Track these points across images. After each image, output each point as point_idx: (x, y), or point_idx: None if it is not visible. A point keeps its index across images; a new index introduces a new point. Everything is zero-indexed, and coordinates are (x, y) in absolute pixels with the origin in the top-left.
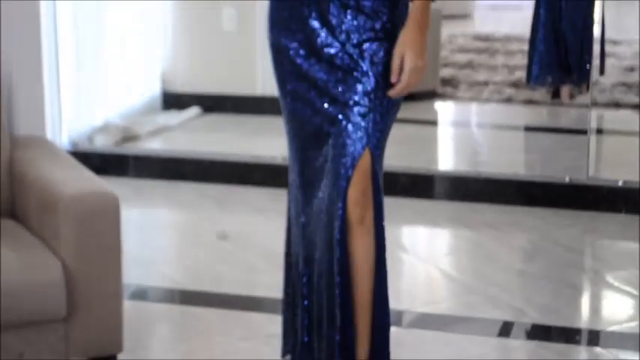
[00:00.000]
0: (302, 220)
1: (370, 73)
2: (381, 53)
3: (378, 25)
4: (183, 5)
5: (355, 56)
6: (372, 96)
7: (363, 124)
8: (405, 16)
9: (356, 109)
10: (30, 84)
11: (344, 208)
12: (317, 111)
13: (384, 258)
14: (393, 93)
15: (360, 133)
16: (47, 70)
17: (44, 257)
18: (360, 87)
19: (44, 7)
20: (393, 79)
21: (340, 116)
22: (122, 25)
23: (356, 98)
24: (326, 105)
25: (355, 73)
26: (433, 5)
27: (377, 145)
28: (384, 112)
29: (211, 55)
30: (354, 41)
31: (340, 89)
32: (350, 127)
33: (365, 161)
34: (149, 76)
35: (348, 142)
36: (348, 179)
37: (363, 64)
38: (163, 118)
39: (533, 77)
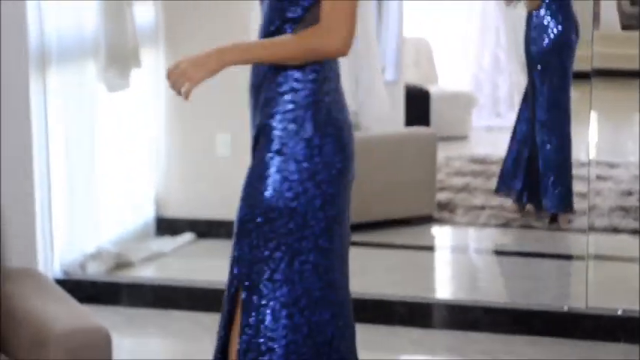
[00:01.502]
0: None
1: None
2: None
3: None
4: (177, 130)
5: None
6: None
7: None
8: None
9: None
10: (21, 212)
11: None
12: None
13: None
14: None
15: None
16: (39, 198)
17: None
18: None
19: (36, 135)
20: None
21: None
22: (115, 150)
23: None
24: None
25: None
26: (429, 129)
27: None
28: None
29: (205, 181)
30: None
31: None
32: None
33: None
34: (142, 201)
35: None
36: None
37: None
38: (157, 245)
39: (497, 186)
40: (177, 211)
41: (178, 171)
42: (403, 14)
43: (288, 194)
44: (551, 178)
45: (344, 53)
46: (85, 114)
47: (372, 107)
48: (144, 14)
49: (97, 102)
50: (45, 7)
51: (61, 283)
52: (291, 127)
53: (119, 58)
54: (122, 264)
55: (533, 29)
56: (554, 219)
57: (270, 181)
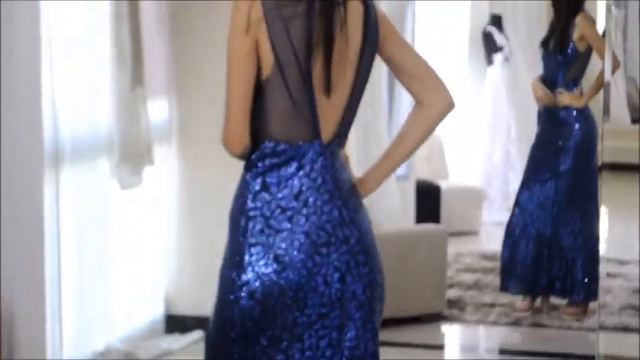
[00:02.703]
0: None
1: None
2: None
3: None
4: (188, 228)
5: None
6: None
7: None
8: None
9: None
10: (31, 309)
11: None
12: None
13: None
14: None
15: None
16: (49, 295)
17: None
18: None
19: (48, 231)
20: None
21: None
22: (126, 246)
23: None
24: None
25: None
26: (440, 226)
27: None
28: None
29: (215, 279)
30: None
31: None
32: None
33: None
34: (152, 298)
35: None
36: None
37: None
38: (166, 342)
39: (504, 284)
40: (187, 308)
41: (188, 269)
42: None
43: None
44: (581, 268)
45: (231, 153)
46: (97, 210)
47: (383, 203)
48: (157, 112)
49: (110, 199)
50: (60, 106)
51: None
52: None
53: (132, 155)
54: None
55: (559, 124)
56: (585, 310)
57: None
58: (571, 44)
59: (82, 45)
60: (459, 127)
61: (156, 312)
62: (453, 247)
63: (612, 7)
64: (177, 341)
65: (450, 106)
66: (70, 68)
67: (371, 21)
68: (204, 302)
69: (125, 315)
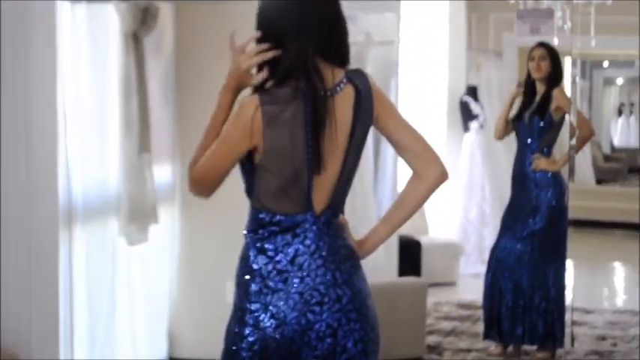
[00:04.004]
0: None
1: None
2: None
3: None
4: (189, 279)
5: None
6: None
7: None
8: None
9: None
10: (46, 355)
11: None
12: None
13: None
14: None
15: None
16: (62, 339)
17: None
18: None
19: (62, 283)
20: None
21: None
22: (133, 296)
23: None
24: None
25: None
26: (420, 279)
27: None
28: None
29: (215, 324)
30: None
31: None
32: None
33: None
34: (157, 342)
35: None
36: None
37: None
38: None
39: (486, 332)
40: (187, 351)
41: (190, 315)
42: (397, 171)
43: None
44: (552, 317)
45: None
46: (106, 264)
47: (369, 258)
48: (162, 175)
49: (118, 253)
50: (73, 170)
51: None
52: None
53: (139, 214)
54: None
55: (535, 187)
56: (552, 355)
57: None
58: (547, 114)
59: (94, 115)
60: (439, 188)
61: (159, 354)
62: (433, 297)
63: (577, 78)
64: None
65: (443, 177)
66: (82, 136)
67: (362, 104)
68: (202, 346)
69: (132, 357)
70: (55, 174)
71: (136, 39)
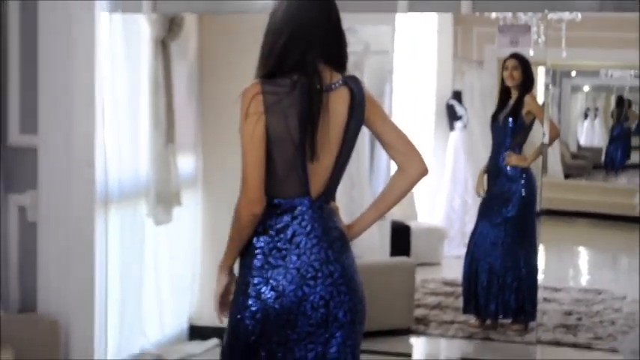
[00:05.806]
0: None
1: None
2: None
3: None
4: (210, 257)
5: None
6: None
7: None
8: None
9: None
10: (83, 321)
11: None
12: None
13: None
14: None
15: None
16: (98, 309)
17: None
18: None
19: (98, 258)
20: None
21: None
22: (159, 271)
23: None
24: None
25: None
26: (409, 259)
27: None
28: None
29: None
30: None
31: None
32: None
33: None
34: (179, 312)
35: None
36: None
37: None
38: (189, 348)
39: (465, 306)
40: (207, 320)
41: (209, 288)
42: (390, 166)
43: None
44: (524, 295)
45: (249, 216)
46: (136, 241)
47: (364, 240)
48: (185, 163)
49: (146, 232)
50: (109, 158)
51: None
52: None
53: (165, 198)
54: None
55: (507, 180)
56: (526, 327)
57: None
58: (519, 117)
59: (127, 111)
60: (427, 179)
61: (182, 323)
62: (420, 275)
63: (549, 86)
64: (199, 346)
65: (424, 172)
66: (117, 129)
67: (356, 103)
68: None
69: (157, 325)
70: (93, 162)
71: (163, 45)
